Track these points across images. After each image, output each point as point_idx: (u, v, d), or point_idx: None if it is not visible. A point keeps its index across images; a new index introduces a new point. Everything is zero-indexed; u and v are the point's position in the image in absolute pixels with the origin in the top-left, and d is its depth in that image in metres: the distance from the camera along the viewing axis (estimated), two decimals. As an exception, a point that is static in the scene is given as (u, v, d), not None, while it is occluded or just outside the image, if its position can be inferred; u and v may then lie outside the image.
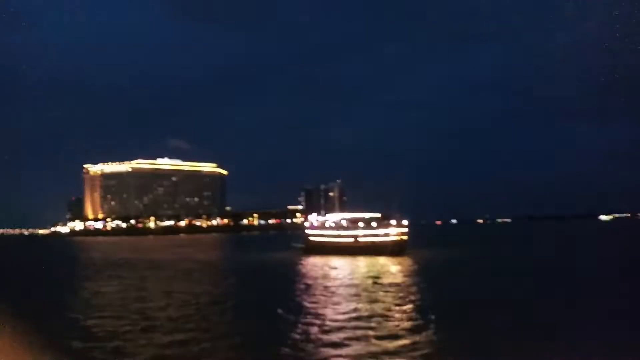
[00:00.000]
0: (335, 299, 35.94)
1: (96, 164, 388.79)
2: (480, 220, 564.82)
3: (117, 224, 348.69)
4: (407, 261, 67.56)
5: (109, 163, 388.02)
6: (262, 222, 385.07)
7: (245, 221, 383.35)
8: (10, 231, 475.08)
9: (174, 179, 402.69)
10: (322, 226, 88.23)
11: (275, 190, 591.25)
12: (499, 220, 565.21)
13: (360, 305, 32.51)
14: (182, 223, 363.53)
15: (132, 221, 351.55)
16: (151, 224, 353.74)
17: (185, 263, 73.82)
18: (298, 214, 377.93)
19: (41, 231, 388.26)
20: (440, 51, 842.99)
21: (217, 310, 31.83)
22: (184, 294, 39.43)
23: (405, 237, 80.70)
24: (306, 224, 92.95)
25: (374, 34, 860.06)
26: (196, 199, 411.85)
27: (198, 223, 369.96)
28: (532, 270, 55.85)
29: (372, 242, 79.11)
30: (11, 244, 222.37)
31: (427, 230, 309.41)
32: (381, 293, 38.16)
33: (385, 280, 46.47)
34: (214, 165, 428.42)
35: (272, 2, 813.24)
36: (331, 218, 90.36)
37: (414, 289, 40.87)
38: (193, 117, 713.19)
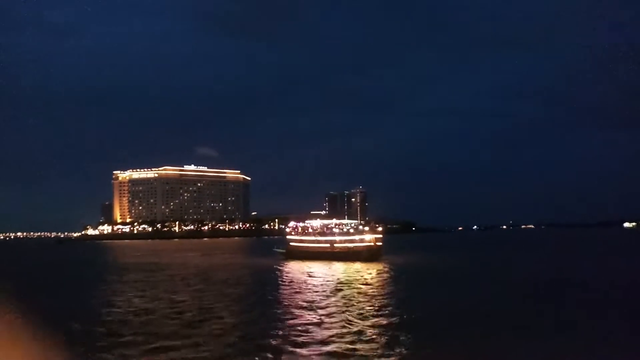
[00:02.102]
0: (297, 307, 36.81)
1: (125, 170, 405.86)
2: (504, 227, 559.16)
3: (144, 228, 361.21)
4: (380, 267, 69.16)
5: (137, 170, 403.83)
6: (283, 226, 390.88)
7: (266, 226, 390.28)
8: (47, 234, 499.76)
9: (199, 184, 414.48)
10: (302, 232, 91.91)
11: (301, 196, 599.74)
12: (522, 226, 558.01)
13: (315, 313, 33.71)
14: (206, 227, 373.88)
15: (158, 225, 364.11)
16: (176, 228, 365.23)
17: (181, 267, 77.25)
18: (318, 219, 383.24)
19: (75, 234, 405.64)
20: (467, 60, 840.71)
21: (163, 320, 32.11)
22: (149, 299, 42.84)
23: (379, 244, 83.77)
24: (287, 230, 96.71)
25: (402, 44, 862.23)
26: (220, 204, 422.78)
27: (221, 227, 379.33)
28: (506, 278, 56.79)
29: (348, 248, 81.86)
30: (36, 247, 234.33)
31: (439, 236, 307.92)
32: (343, 300, 39.22)
33: (352, 286, 48.03)
34: (238, 171, 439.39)
35: (299, 15, 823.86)
36: (311, 224, 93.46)
37: (379, 296, 41.87)
38: (220, 126, 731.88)
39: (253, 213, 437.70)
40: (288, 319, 31.75)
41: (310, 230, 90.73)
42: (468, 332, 27.45)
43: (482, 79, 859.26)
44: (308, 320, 31.35)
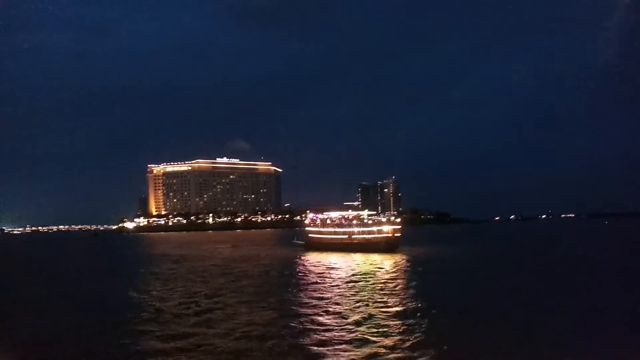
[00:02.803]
0: (310, 298, 37.20)
1: (159, 164, 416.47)
2: (544, 216, 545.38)
3: (179, 220, 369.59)
4: (396, 258, 69.16)
5: (171, 163, 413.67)
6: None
7: (298, 217, 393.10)
8: (87, 227, 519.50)
9: (231, 177, 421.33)
10: (321, 223, 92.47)
11: (333, 188, 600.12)
12: (562, 215, 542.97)
13: (324, 302, 34.48)
14: (239, 219, 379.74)
15: (193, 217, 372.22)
16: (210, 220, 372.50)
17: (205, 259, 79.15)
18: (350, 210, 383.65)
19: (113, 227, 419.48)
20: (499, 49, 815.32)
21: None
22: (164, 290, 44.78)
23: (398, 234, 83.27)
24: (306, 221, 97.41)
25: (435, 33, 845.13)
26: (252, 196, 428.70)
27: (254, 219, 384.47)
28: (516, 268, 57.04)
29: (366, 239, 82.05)
30: (70, 240, 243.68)
31: (472, 227, 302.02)
32: (360, 291, 39.63)
33: (365, 277, 48.57)
34: (269, 163, 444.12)
35: (332, 6, 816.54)
36: (330, 215, 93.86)
37: (389, 287, 41.99)
38: (253, 118, 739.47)
39: (286, 205, 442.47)
40: (294, 309, 32.65)
41: (328, 221, 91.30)
42: (472, 325, 27.48)
43: (511, 69, 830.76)
44: (315, 310, 32.00)
